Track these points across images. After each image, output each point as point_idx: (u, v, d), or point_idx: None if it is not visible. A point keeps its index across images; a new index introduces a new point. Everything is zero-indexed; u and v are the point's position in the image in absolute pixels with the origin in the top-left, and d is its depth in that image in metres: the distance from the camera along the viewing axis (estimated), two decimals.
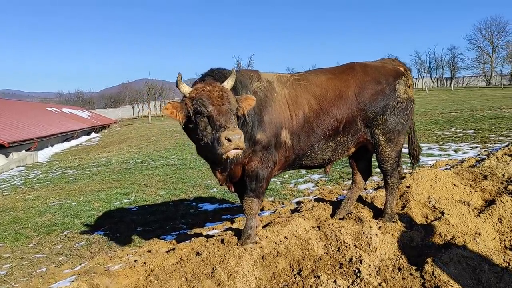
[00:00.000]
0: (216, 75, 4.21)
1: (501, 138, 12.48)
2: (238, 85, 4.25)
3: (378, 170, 7.04)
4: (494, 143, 11.61)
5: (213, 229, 6.74)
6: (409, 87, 4.74)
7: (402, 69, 4.82)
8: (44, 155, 23.94)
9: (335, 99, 4.53)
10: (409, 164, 5.50)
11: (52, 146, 28.52)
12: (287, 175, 10.05)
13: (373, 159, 5.30)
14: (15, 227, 8.46)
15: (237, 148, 3.49)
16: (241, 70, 4.71)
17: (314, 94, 4.54)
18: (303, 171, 10.27)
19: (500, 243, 4.26)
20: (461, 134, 13.94)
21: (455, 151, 11.14)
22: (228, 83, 3.99)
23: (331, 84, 4.59)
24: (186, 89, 3.87)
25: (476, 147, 11.40)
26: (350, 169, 9.62)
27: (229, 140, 3.44)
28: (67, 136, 33.37)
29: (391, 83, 4.64)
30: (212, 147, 3.63)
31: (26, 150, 23.78)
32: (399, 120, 4.64)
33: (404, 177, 5.56)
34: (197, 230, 6.78)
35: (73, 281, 4.77)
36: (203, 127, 3.71)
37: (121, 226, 7.86)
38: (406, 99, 4.67)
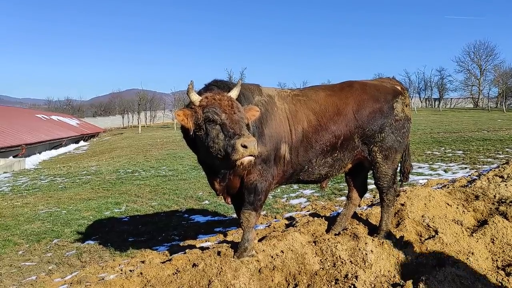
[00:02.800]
0: (220, 85, 4.29)
1: (489, 159, 12.69)
2: (241, 97, 4.31)
3: (370, 187, 7.15)
4: (483, 164, 11.81)
5: (206, 241, 6.72)
6: (406, 106, 4.84)
7: (399, 88, 4.93)
8: (31, 162, 23.66)
9: (334, 115, 4.61)
10: (398, 182, 5.58)
11: (40, 153, 28.23)
12: (279, 190, 10.08)
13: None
14: (3, 234, 8.33)
15: (252, 155, 3.57)
16: (243, 83, 4.77)
17: (313, 110, 4.62)
18: (295, 186, 10.31)
19: (493, 263, 4.32)
20: (450, 155, 14.15)
21: (445, 171, 11.30)
22: (234, 94, 4.06)
23: (330, 101, 4.67)
24: (196, 97, 3.93)
25: (466, 167, 11.57)
26: (342, 186, 9.78)
27: (245, 146, 3.52)
28: (55, 144, 33.07)
29: (389, 101, 4.73)
30: (225, 154, 3.69)
31: (14, 157, 23.50)
32: (396, 138, 4.72)
33: (399, 195, 5.62)
34: (190, 242, 6.75)
35: None
36: (215, 135, 3.76)
37: (112, 235, 7.80)
38: (403, 117, 4.77)
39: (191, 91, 3.92)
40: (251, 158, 3.61)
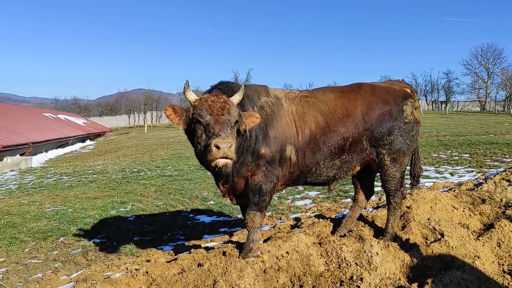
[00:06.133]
0: (225, 88, 4.32)
1: (496, 163, 12.62)
2: (245, 99, 4.33)
3: (377, 189, 7.14)
4: (490, 168, 11.74)
5: (211, 241, 6.74)
6: (415, 109, 4.81)
7: (409, 91, 4.90)
8: (38, 160, 23.83)
9: (342, 117, 4.59)
10: (408, 185, 5.56)
11: (46, 151, 28.37)
12: (284, 191, 10.08)
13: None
14: (10, 232, 8.40)
15: (226, 157, 3.58)
16: (250, 84, 4.79)
17: (321, 111, 4.61)
18: (300, 188, 10.31)
19: (499, 267, 4.30)
20: (457, 158, 14.08)
21: (451, 174, 11.26)
22: (235, 98, 4.08)
23: (339, 102, 4.66)
24: (192, 97, 4.01)
25: (472, 171, 11.51)
26: (348, 188, 9.77)
27: (217, 147, 3.54)
28: (62, 142, 33.23)
29: (398, 104, 4.70)
30: (203, 154, 3.76)
31: (21, 155, 23.64)
32: (405, 141, 4.70)
33: (404, 198, 5.61)
34: (195, 242, 6.78)
35: (72, 287, 4.75)
36: (200, 134, 3.86)
37: (118, 234, 7.84)
38: (412, 120, 4.74)
39: (187, 90, 4.01)
40: (227, 161, 3.62)
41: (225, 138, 3.61)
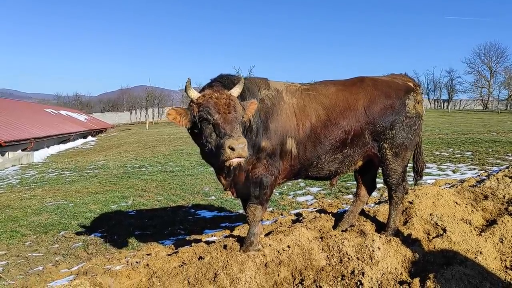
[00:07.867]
0: (225, 81, 4.26)
1: (498, 161, 12.58)
2: (245, 92, 4.29)
3: (379, 186, 7.11)
4: (492, 166, 11.70)
5: (212, 236, 6.73)
6: (418, 103, 4.77)
7: (411, 84, 4.85)
8: (39, 155, 23.85)
9: (344, 110, 4.56)
10: (411, 180, 5.54)
11: (48, 147, 28.41)
12: (285, 187, 10.07)
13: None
14: (11, 225, 8.41)
15: (240, 157, 3.56)
16: (250, 77, 4.75)
17: (322, 104, 4.57)
18: (302, 184, 10.30)
19: (501, 263, 4.27)
20: (459, 156, 14.04)
21: (453, 171, 11.22)
22: (236, 91, 4.04)
23: (341, 96, 4.62)
24: (194, 94, 3.91)
25: (474, 168, 11.48)
26: (349, 184, 9.74)
27: (232, 149, 3.51)
28: (63, 138, 33.25)
29: (401, 98, 4.66)
30: (215, 154, 3.71)
31: (22, 150, 23.66)
32: (407, 135, 4.66)
33: (407, 193, 5.58)
34: (196, 237, 6.77)
35: (72, 279, 4.74)
36: (208, 134, 3.78)
37: (119, 229, 7.84)
38: (415, 114, 4.70)
39: (189, 88, 3.92)
40: (240, 159, 3.61)
41: (239, 138, 3.57)
